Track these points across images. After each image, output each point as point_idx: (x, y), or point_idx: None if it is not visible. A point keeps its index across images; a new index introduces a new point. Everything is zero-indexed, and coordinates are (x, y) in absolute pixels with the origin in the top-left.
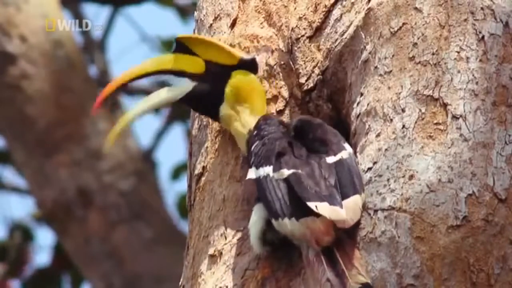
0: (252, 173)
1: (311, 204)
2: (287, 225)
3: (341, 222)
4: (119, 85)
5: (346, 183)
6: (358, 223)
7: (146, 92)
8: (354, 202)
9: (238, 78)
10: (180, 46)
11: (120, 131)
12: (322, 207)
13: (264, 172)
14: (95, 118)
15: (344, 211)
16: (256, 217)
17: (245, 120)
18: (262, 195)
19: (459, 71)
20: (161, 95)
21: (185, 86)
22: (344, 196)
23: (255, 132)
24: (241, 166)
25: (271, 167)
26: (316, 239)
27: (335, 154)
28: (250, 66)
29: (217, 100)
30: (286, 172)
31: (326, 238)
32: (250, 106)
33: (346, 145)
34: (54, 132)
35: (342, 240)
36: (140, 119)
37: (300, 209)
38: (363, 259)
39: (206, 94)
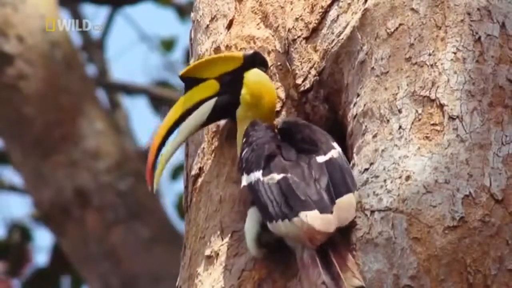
0: (244, 181)
1: (302, 215)
2: (281, 226)
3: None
4: (156, 148)
5: (339, 182)
6: (352, 223)
7: (145, 91)
8: (348, 201)
9: (249, 79)
10: (187, 81)
11: (162, 171)
12: (311, 217)
13: (255, 177)
14: (92, 118)
15: (334, 219)
16: (251, 221)
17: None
18: (256, 199)
19: (455, 72)
20: (189, 123)
21: (207, 106)
22: (338, 195)
23: (244, 139)
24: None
25: (261, 171)
26: (310, 238)
27: (325, 154)
28: (256, 60)
29: (236, 104)
30: (276, 176)
31: (320, 236)
32: (259, 112)
33: (335, 144)
34: (51, 132)
35: (336, 242)
36: (175, 155)
37: (291, 210)
38: (360, 260)
39: (228, 104)
